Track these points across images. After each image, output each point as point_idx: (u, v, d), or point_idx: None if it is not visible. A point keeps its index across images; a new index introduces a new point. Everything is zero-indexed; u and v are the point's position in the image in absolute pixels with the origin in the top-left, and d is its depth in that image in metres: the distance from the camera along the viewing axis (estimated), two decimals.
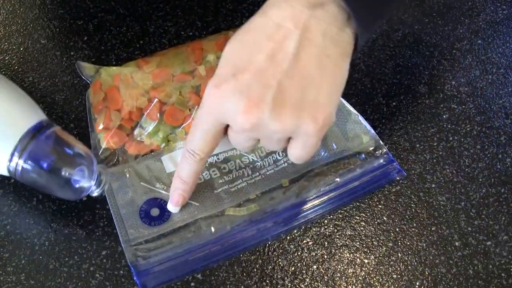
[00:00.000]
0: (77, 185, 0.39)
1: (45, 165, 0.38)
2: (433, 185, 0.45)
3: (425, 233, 0.42)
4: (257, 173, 0.44)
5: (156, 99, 0.43)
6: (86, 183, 0.39)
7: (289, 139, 0.37)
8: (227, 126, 0.37)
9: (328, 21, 0.35)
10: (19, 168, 0.38)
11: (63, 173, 0.38)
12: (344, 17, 0.35)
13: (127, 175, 0.43)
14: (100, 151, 0.44)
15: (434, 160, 0.46)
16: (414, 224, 0.42)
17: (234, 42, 0.36)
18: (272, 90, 0.34)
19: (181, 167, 0.40)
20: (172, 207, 0.41)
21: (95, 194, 0.41)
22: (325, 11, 0.35)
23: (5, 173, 0.39)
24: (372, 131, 0.46)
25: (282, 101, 0.34)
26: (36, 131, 0.38)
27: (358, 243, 0.41)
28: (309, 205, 0.43)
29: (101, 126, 0.44)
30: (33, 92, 0.47)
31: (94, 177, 0.40)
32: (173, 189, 0.41)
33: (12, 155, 0.38)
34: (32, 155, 0.38)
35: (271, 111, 0.34)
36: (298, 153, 0.37)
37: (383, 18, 0.38)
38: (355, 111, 0.47)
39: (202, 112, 0.37)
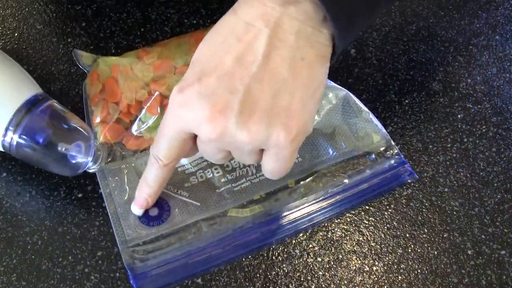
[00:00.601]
0: (73, 161, 0.38)
1: (40, 140, 0.37)
2: (446, 189, 0.42)
3: (436, 240, 0.40)
4: (262, 172, 0.42)
5: (157, 93, 0.41)
6: (83, 158, 0.38)
7: (262, 151, 0.34)
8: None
9: (301, 20, 0.32)
10: (14, 143, 0.37)
11: (59, 149, 0.37)
12: (320, 16, 0.32)
13: (125, 172, 0.41)
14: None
15: (448, 163, 0.44)
16: (425, 230, 0.40)
17: (203, 43, 0.34)
18: (239, 95, 0.31)
19: (147, 171, 0.37)
20: (136, 209, 0.39)
21: (91, 170, 0.40)
22: (298, 8, 0.32)
23: (0, 148, 0.38)
24: (384, 130, 0.44)
25: (251, 107, 0.31)
26: (31, 105, 0.37)
27: (366, 249, 0.39)
28: (315, 207, 0.41)
29: (98, 119, 0.41)
30: None
31: (91, 153, 0.38)
32: (138, 191, 0.38)
33: (7, 129, 0.36)
34: (27, 130, 0.36)
35: (237, 119, 0.31)
36: (270, 166, 0.34)
37: (364, 22, 0.35)
38: (366, 109, 0.45)
39: (166, 119, 0.34)
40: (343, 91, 0.45)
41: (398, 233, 0.40)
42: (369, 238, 0.40)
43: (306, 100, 0.33)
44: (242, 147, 0.33)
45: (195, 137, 0.34)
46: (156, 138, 0.36)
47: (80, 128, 0.38)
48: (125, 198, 0.40)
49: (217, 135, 0.32)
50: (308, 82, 0.33)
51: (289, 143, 0.32)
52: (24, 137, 0.36)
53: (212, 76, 0.32)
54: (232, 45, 0.32)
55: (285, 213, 0.40)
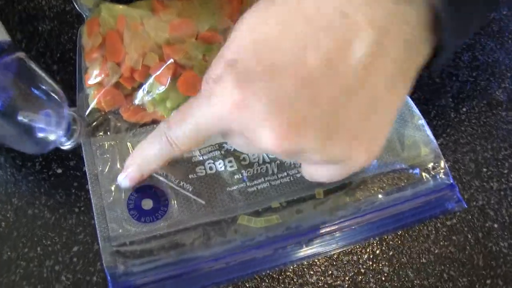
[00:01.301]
0: (40, 134, 0.30)
1: None
2: (495, 225, 0.36)
3: (477, 286, 0.34)
4: (285, 173, 0.34)
5: (171, 60, 0.32)
6: (53, 133, 0.30)
7: None
8: None
9: (413, 25, 0.24)
10: None
11: (21, 117, 0.29)
12: (429, 23, 0.24)
13: (118, 150, 0.33)
14: (87, 111, 0.34)
15: (502, 193, 0.37)
16: (465, 272, 0.34)
17: (266, 14, 0.25)
18: (323, 109, 0.24)
19: (151, 146, 0.30)
20: (124, 180, 0.32)
21: (65, 147, 0.32)
22: (412, 9, 0.24)
23: None
24: (435, 142, 0.36)
25: (334, 125, 0.25)
26: None
27: (395, 286, 0.33)
28: (343, 227, 0.34)
29: (92, 80, 0.33)
30: (7, 14, 0.35)
31: (64, 126, 0.31)
32: (132, 160, 0.31)
33: None
34: None
35: (316, 139, 0.25)
36: (319, 175, 0.29)
37: (479, 24, 0.28)
38: (418, 113, 0.37)
39: (206, 110, 0.26)
40: None
41: (435, 271, 0.34)
42: (400, 273, 0.33)
43: (393, 119, 0.27)
44: (304, 161, 0.28)
45: None
46: (178, 118, 0.28)
47: (51, 93, 0.30)
48: (115, 183, 0.32)
49: (282, 151, 0.25)
50: (402, 101, 0.27)
51: (362, 166, 0.27)
52: None
53: (288, 75, 0.24)
54: (319, 39, 0.24)
55: (307, 230, 0.33)
